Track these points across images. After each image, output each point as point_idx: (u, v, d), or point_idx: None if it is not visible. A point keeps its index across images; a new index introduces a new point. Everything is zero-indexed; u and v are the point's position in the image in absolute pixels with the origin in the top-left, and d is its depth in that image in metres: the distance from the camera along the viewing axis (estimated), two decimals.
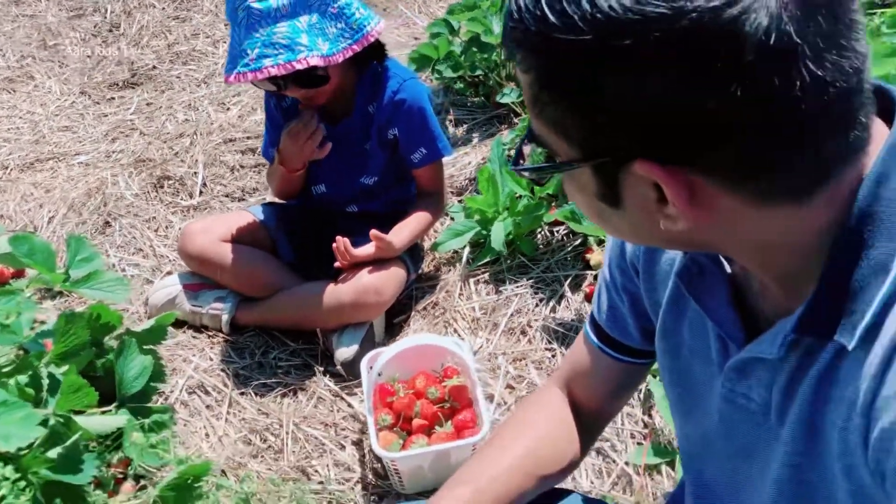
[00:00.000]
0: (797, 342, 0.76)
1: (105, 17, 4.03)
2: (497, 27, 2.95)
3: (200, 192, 2.88)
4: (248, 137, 3.10)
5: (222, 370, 2.20)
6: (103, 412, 1.79)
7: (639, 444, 1.87)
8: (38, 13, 4.14)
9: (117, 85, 3.54)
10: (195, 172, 2.94)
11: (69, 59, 3.75)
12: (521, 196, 2.40)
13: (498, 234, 2.32)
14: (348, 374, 2.15)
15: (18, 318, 1.88)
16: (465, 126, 3.04)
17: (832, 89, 0.62)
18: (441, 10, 3.72)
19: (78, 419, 1.67)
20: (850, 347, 0.70)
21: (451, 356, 1.98)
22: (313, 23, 1.96)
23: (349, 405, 2.10)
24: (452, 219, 2.55)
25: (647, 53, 0.61)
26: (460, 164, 2.85)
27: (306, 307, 2.22)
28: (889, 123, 0.72)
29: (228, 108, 3.30)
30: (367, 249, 2.18)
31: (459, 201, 2.64)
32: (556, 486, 1.17)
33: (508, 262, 2.38)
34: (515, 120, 2.94)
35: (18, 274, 2.44)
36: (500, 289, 2.32)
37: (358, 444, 2.01)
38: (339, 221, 2.33)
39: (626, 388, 1.18)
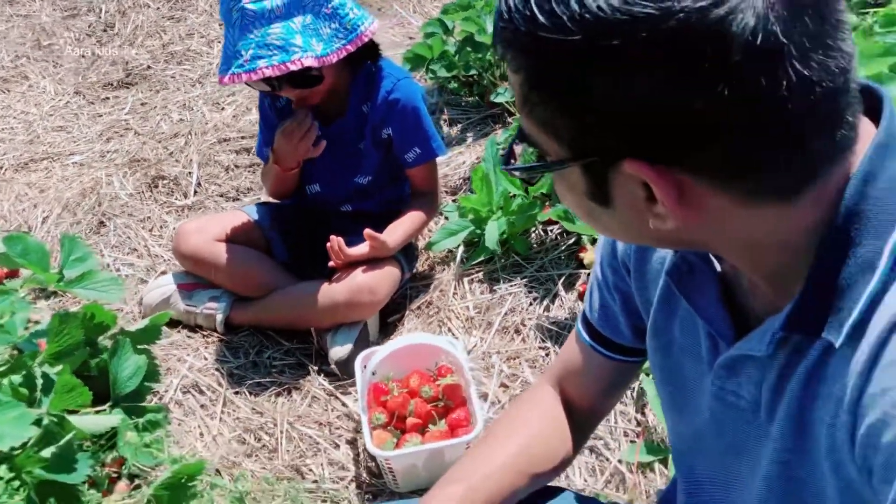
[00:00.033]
0: (786, 340, 0.77)
1: (99, 17, 4.03)
2: (491, 27, 2.95)
3: (195, 192, 2.88)
4: (242, 137, 3.10)
5: (217, 370, 2.21)
6: (97, 412, 1.79)
7: (632, 442, 1.87)
8: (32, 13, 4.14)
9: (112, 85, 3.54)
10: (190, 172, 2.94)
11: (64, 59, 3.74)
12: (514, 195, 2.41)
13: (492, 234, 2.32)
14: (342, 374, 2.15)
15: (12, 318, 1.88)
16: (459, 126, 3.04)
17: (819, 89, 0.63)
18: (436, 10, 3.73)
19: (72, 419, 1.67)
20: (837, 345, 0.71)
21: (444, 355, 1.98)
22: (307, 23, 1.97)
23: (343, 404, 2.10)
24: (447, 218, 2.56)
25: (634, 53, 0.61)
26: (454, 163, 2.85)
27: (300, 307, 2.22)
28: (876, 122, 0.72)
29: (223, 108, 3.30)
30: (362, 249, 2.18)
31: (454, 201, 2.65)
32: (549, 485, 1.17)
33: (502, 261, 2.39)
34: (509, 119, 2.94)
35: (13, 274, 2.44)
36: (494, 288, 2.33)
37: (352, 442, 2.01)
38: (333, 221, 2.33)
39: (618, 386, 1.19)
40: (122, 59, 3.69)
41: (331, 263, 2.19)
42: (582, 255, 2.29)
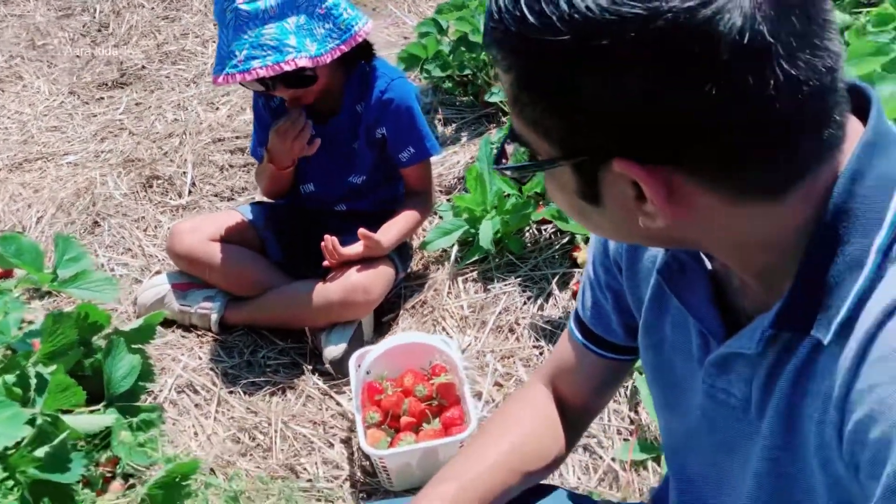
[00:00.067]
0: (775, 337, 0.77)
1: (94, 17, 4.02)
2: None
3: (189, 192, 2.88)
4: (237, 137, 3.10)
5: (211, 369, 2.21)
6: (91, 411, 1.79)
7: (625, 440, 1.88)
8: (26, 13, 4.13)
9: (106, 85, 3.54)
10: (184, 172, 2.94)
11: (58, 59, 3.74)
12: (509, 195, 2.41)
13: (486, 233, 2.33)
14: (337, 373, 2.16)
15: (6, 318, 1.88)
16: (453, 125, 3.05)
17: (806, 88, 0.63)
18: (430, 10, 3.73)
19: (66, 418, 1.67)
20: (826, 342, 0.71)
21: (439, 354, 1.98)
22: (301, 24, 1.97)
23: (338, 403, 2.11)
24: (441, 217, 2.56)
25: (623, 54, 0.62)
26: (449, 162, 2.85)
27: (295, 306, 2.22)
28: (864, 121, 0.73)
29: (217, 108, 3.30)
30: (356, 248, 2.18)
31: (448, 200, 2.65)
32: (542, 483, 1.17)
33: (496, 260, 2.39)
34: (504, 119, 2.94)
35: (7, 274, 2.43)
36: (489, 287, 2.33)
37: (346, 441, 2.01)
38: (327, 220, 2.33)
39: (611, 384, 1.19)
40: (117, 58, 3.68)
41: (325, 263, 2.20)
42: (576, 254, 2.30)
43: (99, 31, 3.93)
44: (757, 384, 0.80)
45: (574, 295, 2.23)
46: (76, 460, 1.59)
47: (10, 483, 1.53)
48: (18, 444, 1.55)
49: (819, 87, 0.64)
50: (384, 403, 1.92)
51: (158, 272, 2.50)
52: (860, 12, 2.41)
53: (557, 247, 2.38)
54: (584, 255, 2.27)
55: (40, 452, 1.56)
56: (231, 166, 2.97)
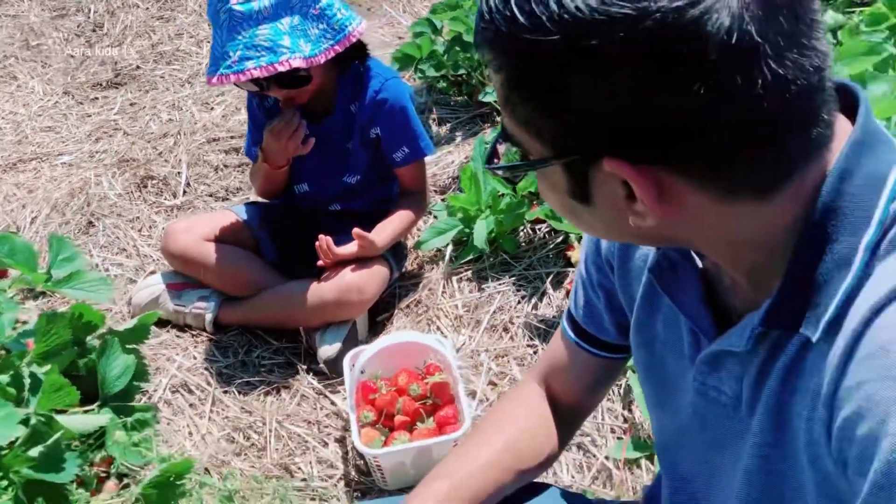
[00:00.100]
0: (765, 335, 0.77)
1: (88, 17, 4.02)
2: None
3: (184, 192, 2.88)
4: (231, 137, 3.10)
5: (205, 369, 2.21)
6: (86, 411, 1.79)
7: (619, 438, 1.88)
8: (20, 13, 4.13)
9: (101, 85, 3.53)
10: (179, 172, 2.94)
11: (52, 59, 3.74)
12: (503, 194, 2.41)
13: (480, 233, 2.33)
14: (331, 372, 2.16)
15: (0, 319, 1.88)
16: (448, 125, 3.05)
17: (794, 87, 0.64)
18: (425, 10, 3.73)
19: (60, 418, 1.67)
20: (814, 340, 0.72)
21: (433, 353, 1.99)
22: (295, 24, 1.97)
23: (332, 403, 2.11)
24: (435, 217, 2.56)
25: (612, 54, 0.62)
26: (443, 162, 2.86)
27: (289, 306, 2.23)
28: (852, 120, 0.73)
29: (212, 108, 3.30)
30: (350, 248, 2.19)
31: (442, 200, 2.65)
32: (535, 481, 1.18)
33: (491, 259, 2.40)
34: (498, 119, 2.95)
35: (1, 274, 2.43)
36: (483, 286, 2.34)
37: (341, 441, 2.02)
38: (321, 220, 2.33)
39: (603, 382, 1.19)
40: (111, 59, 3.68)
41: (319, 263, 2.20)
42: (569, 253, 2.30)
43: (93, 31, 3.93)
44: (747, 382, 0.81)
45: (568, 294, 2.23)
46: (70, 460, 1.59)
47: (5, 483, 1.53)
48: (12, 443, 1.55)
49: (807, 86, 0.65)
50: (378, 402, 1.92)
51: (153, 272, 2.50)
52: (853, 12, 2.42)
53: (551, 246, 2.38)
54: (578, 254, 2.27)
55: (34, 452, 1.56)
56: (226, 166, 2.97)
